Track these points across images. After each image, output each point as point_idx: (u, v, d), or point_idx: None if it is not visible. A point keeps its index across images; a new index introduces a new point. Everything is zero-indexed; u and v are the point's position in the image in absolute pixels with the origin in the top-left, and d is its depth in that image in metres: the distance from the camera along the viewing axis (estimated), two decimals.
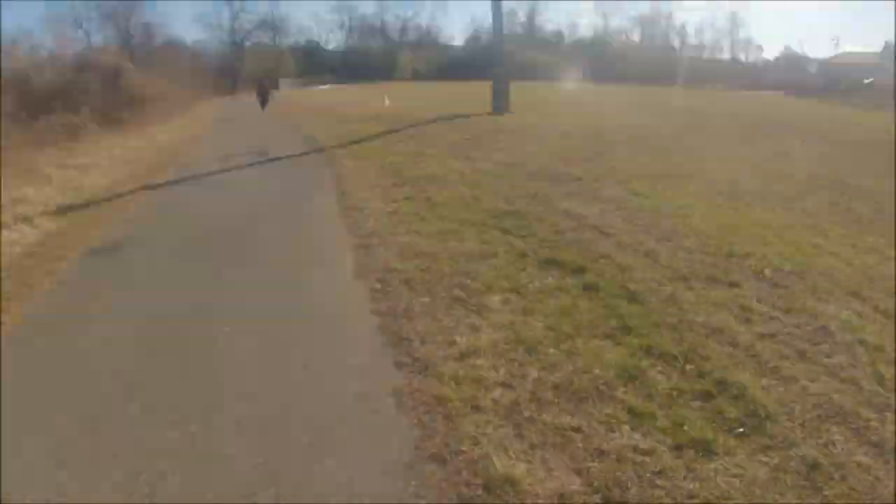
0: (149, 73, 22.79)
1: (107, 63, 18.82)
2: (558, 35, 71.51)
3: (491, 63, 17.08)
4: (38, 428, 2.15)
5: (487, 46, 65.73)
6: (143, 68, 24.30)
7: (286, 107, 21.78)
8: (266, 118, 18.50)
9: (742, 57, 66.22)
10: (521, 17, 72.83)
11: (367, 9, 78.30)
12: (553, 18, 78.94)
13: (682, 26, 68.14)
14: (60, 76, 16.71)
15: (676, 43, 67.48)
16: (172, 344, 2.84)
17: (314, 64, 60.19)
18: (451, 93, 26.14)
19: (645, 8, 70.15)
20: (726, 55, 65.59)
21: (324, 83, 50.24)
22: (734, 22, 63.97)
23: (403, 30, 75.00)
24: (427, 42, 73.59)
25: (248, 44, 61.16)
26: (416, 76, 60.64)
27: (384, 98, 20.18)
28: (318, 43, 72.58)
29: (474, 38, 74.02)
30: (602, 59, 54.78)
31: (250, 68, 52.19)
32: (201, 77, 38.54)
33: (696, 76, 46.09)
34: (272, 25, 59.72)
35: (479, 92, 18.47)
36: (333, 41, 75.27)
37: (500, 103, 15.83)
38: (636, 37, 69.64)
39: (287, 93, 36.05)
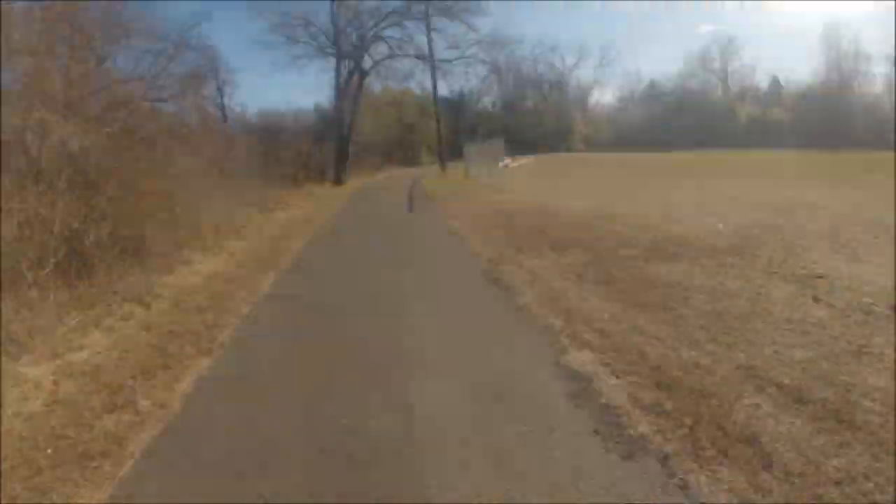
0: None
1: None
2: None
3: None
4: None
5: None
6: None
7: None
8: None
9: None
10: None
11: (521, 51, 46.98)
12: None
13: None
14: None
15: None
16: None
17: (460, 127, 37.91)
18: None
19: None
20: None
21: (503, 153, 25.53)
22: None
23: (558, 84, 48.86)
24: (592, 101, 50.64)
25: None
26: (590, 146, 43.15)
27: None
28: (464, 96, 45.02)
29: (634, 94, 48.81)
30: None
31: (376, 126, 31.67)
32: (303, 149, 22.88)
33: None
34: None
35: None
36: (484, 95, 48.68)
37: None
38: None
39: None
